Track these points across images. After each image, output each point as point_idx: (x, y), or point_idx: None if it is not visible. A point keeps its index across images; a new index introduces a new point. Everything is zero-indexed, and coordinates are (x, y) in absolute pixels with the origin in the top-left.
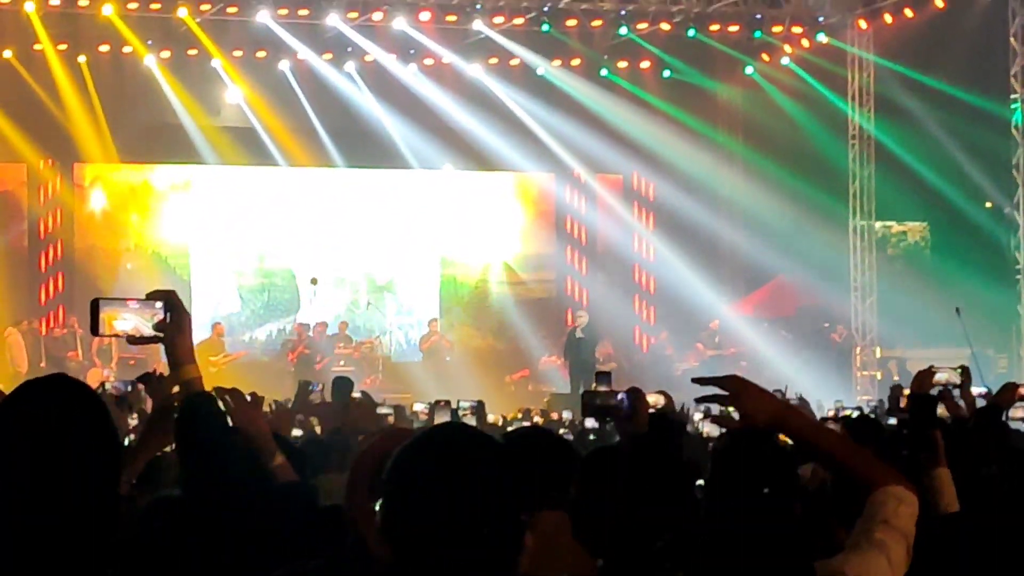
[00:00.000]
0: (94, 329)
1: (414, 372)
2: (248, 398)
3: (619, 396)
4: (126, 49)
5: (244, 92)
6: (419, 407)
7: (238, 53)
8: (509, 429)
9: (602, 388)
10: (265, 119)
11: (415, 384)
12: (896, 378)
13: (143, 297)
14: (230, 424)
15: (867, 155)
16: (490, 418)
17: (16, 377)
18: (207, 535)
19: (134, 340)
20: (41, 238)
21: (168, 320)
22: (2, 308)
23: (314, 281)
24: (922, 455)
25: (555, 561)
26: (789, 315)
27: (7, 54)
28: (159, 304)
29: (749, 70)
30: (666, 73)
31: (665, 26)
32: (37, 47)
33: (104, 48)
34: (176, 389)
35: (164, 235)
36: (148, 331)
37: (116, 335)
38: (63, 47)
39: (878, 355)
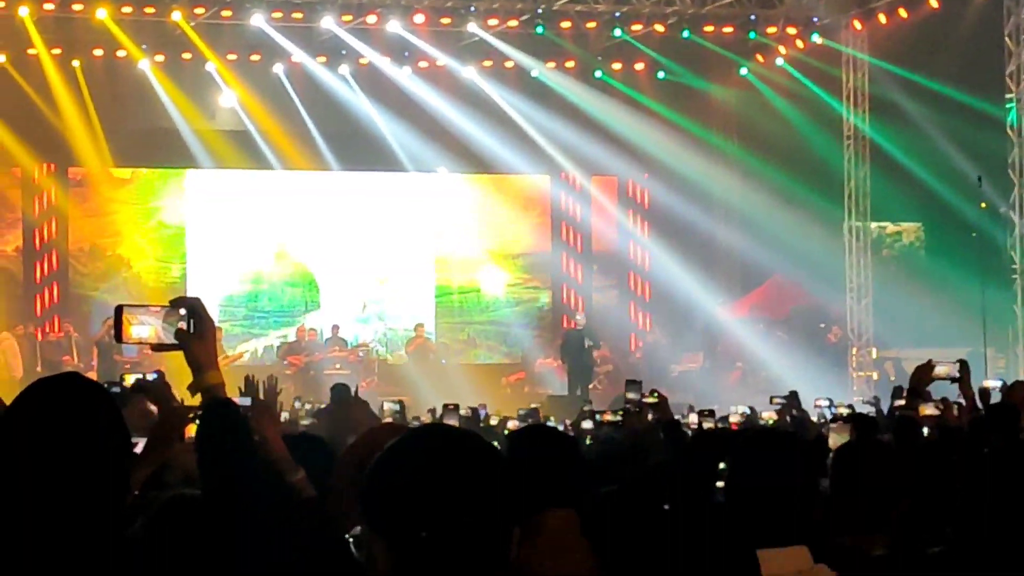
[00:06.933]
0: (118, 336)
1: (410, 375)
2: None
3: None
4: (120, 53)
5: (238, 95)
6: (427, 413)
7: (232, 57)
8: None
9: (632, 395)
10: (260, 122)
11: (411, 387)
12: (892, 378)
13: (167, 304)
14: (251, 432)
15: (862, 156)
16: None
17: (11, 382)
18: (224, 537)
19: (158, 347)
20: (36, 243)
21: (191, 327)
22: None
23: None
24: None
25: (562, 558)
26: (784, 316)
27: (1, 59)
28: (183, 311)
29: (743, 71)
30: (660, 75)
31: (659, 28)
32: (31, 52)
33: (98, 52)
34: (198, 396)
35: (159, 239)
36: (171, 338)
37: (139, 342)
38: (57, 52)
39: (874, 356)
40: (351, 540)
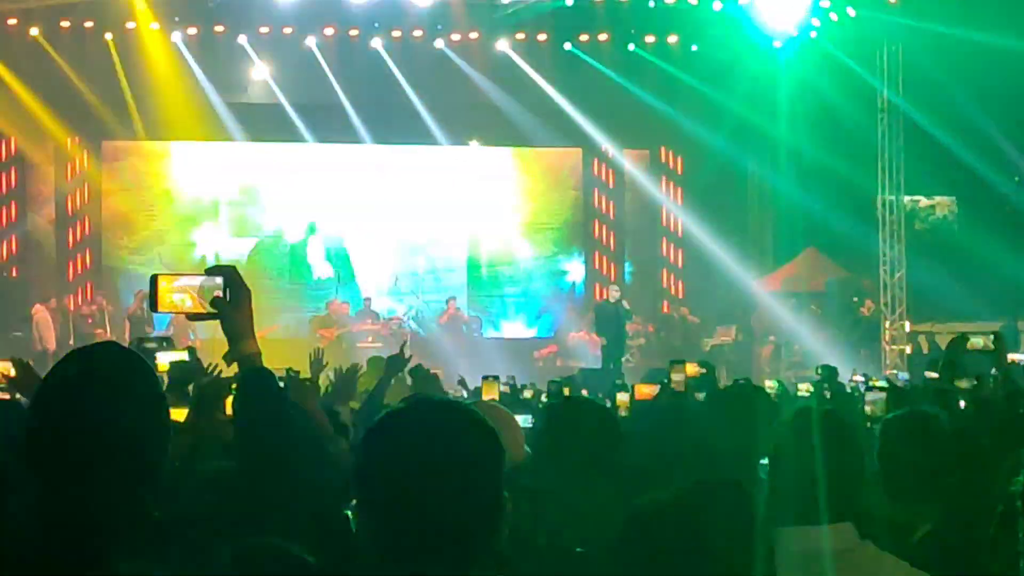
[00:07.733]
0: (153, 305)
1: (443, 348)
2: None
3: None
4: (152, 26)
5: (270, 69)
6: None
7: (264, 30)
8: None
9: (677, 377)
10: (292, 96)
11: (444, 360)
12: (926, 352)
13: (202, 272)
14: (289, 401)
15: (896, 128)
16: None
17: (44, 355)
18: (262, 507)
19: (194, 316)
20: (68, 216)
21: (227, 296)
22: (30, 286)
23: None
24: None
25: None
26: (818, 289)
27: (34, 32)
28: (218, 279)
29: (776, 43)
30: (693, 47)
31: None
32: (64, 25)
33: (131, 25)
34: (234, 365)
35: (190, 213)
36: (207, 307)
37: (175, 310)
38: (90, 25)
39: (907, 329)
40: (349, 513)
